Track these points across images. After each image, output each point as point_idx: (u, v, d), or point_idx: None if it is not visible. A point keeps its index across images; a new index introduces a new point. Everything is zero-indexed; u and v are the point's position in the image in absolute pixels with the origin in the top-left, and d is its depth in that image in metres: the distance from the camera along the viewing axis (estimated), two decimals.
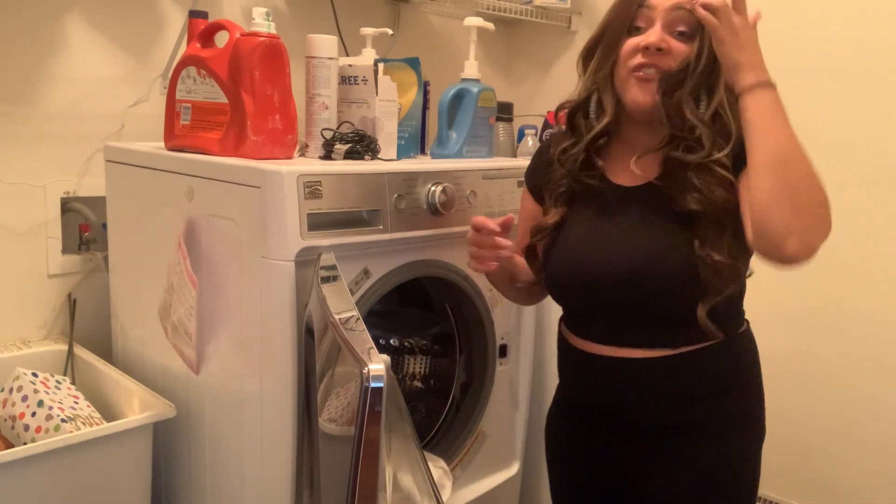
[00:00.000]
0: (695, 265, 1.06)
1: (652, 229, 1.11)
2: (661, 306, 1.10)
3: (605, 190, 1.18)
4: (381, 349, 1.25)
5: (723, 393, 1.14)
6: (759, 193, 0.99)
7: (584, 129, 1.18)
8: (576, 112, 1.20)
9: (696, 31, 1.08)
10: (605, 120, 1.16)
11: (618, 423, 1.18)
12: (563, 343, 1.25)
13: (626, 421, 1.17)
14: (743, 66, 0.99)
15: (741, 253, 1.07)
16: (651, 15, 1.10)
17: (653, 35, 1.09)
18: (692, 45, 1.09)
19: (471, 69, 1.69)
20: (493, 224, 1.17)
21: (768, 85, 0.99)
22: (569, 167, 1.19)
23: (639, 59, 1.10)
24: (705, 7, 1.00)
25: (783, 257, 0.99)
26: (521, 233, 1.31)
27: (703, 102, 1.09)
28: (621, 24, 1.12)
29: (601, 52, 1.16)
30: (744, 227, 1.05)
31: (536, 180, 1.29)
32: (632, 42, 1.11)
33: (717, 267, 1.06)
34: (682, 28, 1.09)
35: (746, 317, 1.21)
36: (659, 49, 1.08)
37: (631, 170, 1.16)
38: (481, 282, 1.60)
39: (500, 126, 1.99)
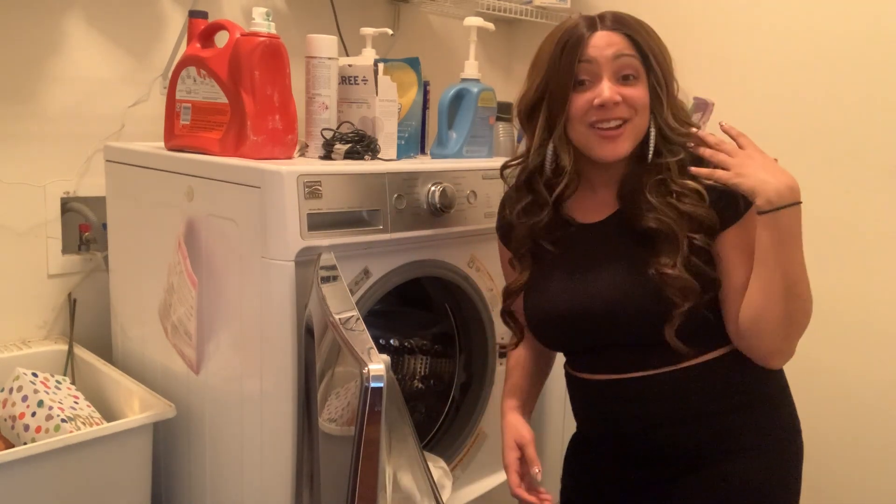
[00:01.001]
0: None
1: (622, 262, 1.11)
2: (647, 332, 1.09)
3: (571, 231, 1.18)
4: (381, 349, 1.25)
5: (734, 408, 1.11)
6: (757, 315, 1.03)
7: (546, 191, 1.16)
8: (533, 174, 1.17)
9: (639, 70, 1.09)
10: (567, 177, 1.13)
11: (631, 445, 1.16)
12: (568, 377, 1.25)
13: (637, 441, 1.15)
14: (755, 192, 1.00)
15: (698, 273, 1.06)
16: (594, 69, 1.08)
17: (605, 91, 1.06)
18: (643, 85, 1.09)
19: (471, 69, 1.69)
20: (529, 497, 1.17)
21: (783, 208, 0.98)
22: (533, 229, 1.17)
23: (595, 115, 1.08)
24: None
25: (764, 365, 1.10)
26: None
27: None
28: (564, 80, 1.09)
29: (548, 109, 1.12)
30: (714, 261, 1.08)
31: (503, 234, 1.29)
32: (583, 99, 1.09)
33: (670, 282, 1.05)
34: (627, 73, 1.08)
35: None
36: (616, 103, 1.07)
37: (592, 204, 1.17)
38: (481, 282, 1.60)
39: (500, 126, 1.99)
